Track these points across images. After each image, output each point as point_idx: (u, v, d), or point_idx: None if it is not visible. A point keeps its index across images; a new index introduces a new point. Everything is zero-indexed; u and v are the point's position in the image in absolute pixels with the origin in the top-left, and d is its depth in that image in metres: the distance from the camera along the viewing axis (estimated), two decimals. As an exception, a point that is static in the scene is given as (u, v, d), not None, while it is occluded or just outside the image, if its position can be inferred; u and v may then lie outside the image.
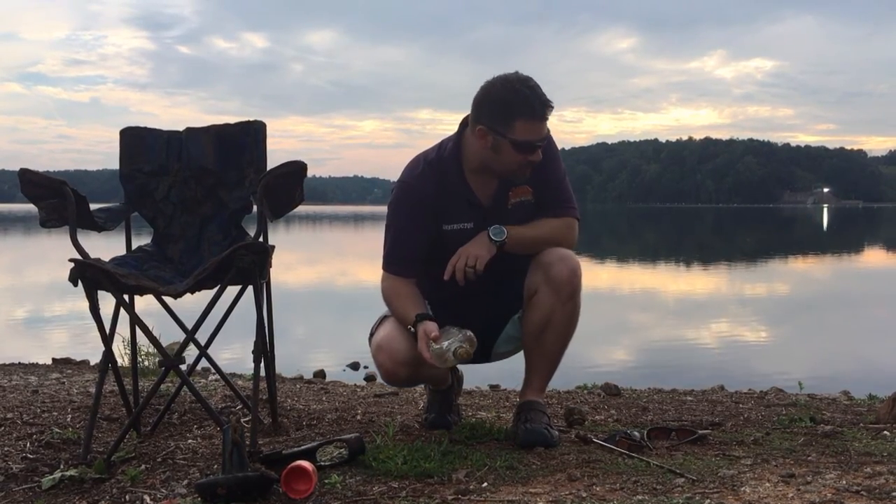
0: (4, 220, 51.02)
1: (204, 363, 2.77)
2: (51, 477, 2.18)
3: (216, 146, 2.90)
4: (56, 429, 2.76)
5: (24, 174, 2.48)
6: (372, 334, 2.59)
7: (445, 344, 2.29)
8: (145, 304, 2.65)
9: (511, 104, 2.37)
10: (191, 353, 2.60)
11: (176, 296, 2.43)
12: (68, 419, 2.94)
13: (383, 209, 2.65)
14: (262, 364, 2.48)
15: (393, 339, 2.47)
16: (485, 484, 2.09)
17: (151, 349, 4.20)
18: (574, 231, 2.57)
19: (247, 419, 2.74)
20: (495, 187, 2.55)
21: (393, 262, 2.54)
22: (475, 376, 3.49)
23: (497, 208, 2.55)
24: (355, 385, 4.33)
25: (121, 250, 2.77)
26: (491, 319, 2.61)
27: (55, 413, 3.05)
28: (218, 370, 2.93)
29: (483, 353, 2.71)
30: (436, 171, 2.53)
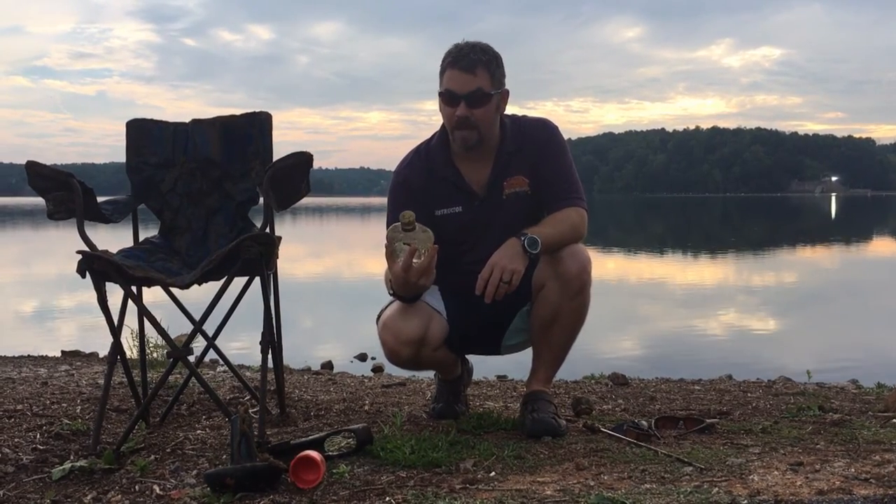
0: (12, 214, 51.22)
1: (212, 354, 2.78)
2: (61, 468, 2.19)
3: (222, 138, 2.90)
4: (65, 420, 2.77)
5: (32, 167, 2.49)
6: (379, 317, 2.60)
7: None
8: (153, 296, 2.66)
9: (444, 57, 2.47)
10: (199, 344, 2.61)
11: (183, 287, 2.44)
12: (77, 410, 2.96)
13: (388, 201, 2.66)
14: (270, 355, 2.48)
15: (397, 318, 2.49)
16: (492, 473, 2.09)
17: (160, 341, 4.21)
18: (586, 223, 2.57)
19: (255, 410, 2.75)
20: (487, 174, 2.55)
21: None
22: (482, 367, 3.49)
23: (492, 199, 2.55)
24: (363, 376, 4.34)
25: (128, 242, 2.78)
26: (499, 312, 2.60)
27: (64, 405, 3.06)
28: (226, 361, 2.94)
29: (493, 346, 2.71)
30: (424, 158, 2.60)
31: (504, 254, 2.36)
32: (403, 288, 2.35)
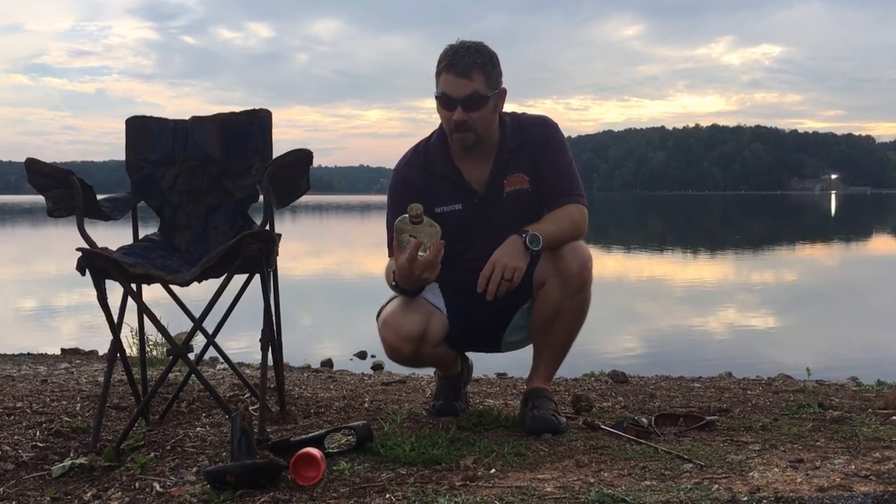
0: (12, 212, 51.19)
1: (212, 352, 2.78)
2: (61, 465, 2.19)
3: (222, 135, 2.90)
4: (65, 417, 2.77)
5: (32, 164, 2.49)
6: (379, 314, 2.60)
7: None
8: (153, 293, 2.66)
9: (439, 60, 2.47)
10: (198, 341, 2.61)
11: (183, 284, 2.44)
12: (77, 408, 2.96)
13: (388, 199, 2.67)
14: (270, 352, 2.48)
15: (398, 314, 2.49)
16: (493, 470, 2.09)
17: (159, 338, 4.21)
18: (586, 220, 2.57)
19: (255, 407, 2.75)
20: (487, 172, 2.56)
21: (391, 246, 2.56)
22: (482, 364, 3.50)
23: (492, 197, 2.55)
24: (363, 374, 4.34)
25: (128, 240, 2.78)
26: (500, 309, 2.60)
27: (64, 402, 3.06)
28: (226, 358, 2.94)
29: (493, 343, 2.71)
30: (423, 157, 2.61)
31: (505, 251, 2.37)
32: (407, 280, 2.36)
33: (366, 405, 3.06)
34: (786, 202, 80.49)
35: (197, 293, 2.59)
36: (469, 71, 2.41)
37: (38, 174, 2.49)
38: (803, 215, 45.80)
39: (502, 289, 2.34)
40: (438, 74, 2.47)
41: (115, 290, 2.44)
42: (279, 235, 2.61)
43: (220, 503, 1.89)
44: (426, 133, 2.67)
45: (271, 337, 2.51)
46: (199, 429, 2.63)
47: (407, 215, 2.29)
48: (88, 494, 2.00)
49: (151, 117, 2.95)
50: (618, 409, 3.02)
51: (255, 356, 2.97)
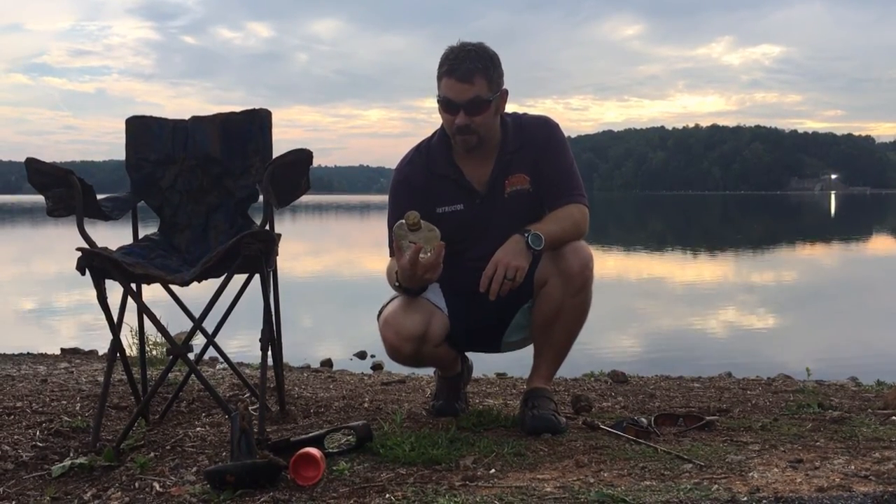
0: (12, 211, 51.17)
1: (212, 352, 2.78)
2: (60, 465, 2.19)
3: (222, 135, 2.90)
4: (65, 417, 2.77)
5: (31, 163, 2.49)
6: (380, 313, 2.60)
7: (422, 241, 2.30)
8: (153, 293, 2.66)
9: (440, 63, 2.47)
10: (198, 341, 2.61)
11: (183, 284, 2.44)
12: (77, 408, 2.96)
13: (388, 199, 2.68)
14: (270, 352, 2.48)
15: (399, 314, 2.49)
16: (492, 470, 2.09)
17: (159, 338, 4.22)
18: (587, 220, 2.57)
19: (255, 407, 2.75)
20: (489, 172, 2.56)
21: (392, 246, 2.56)
22: (482, 364, 3.50)
23: (493, 196, 2.56)
24: (362, 374, 4.34)
25: (127, 239, 2.78)
26: (501, 309, 2.60)
27: (64, 402, 3.06)
28: (225, 358, 2.94)
29: (493, 343, 2.71)
30: (425, 156, 2.61)
31: (508, 251, 2.37)
32: (409, 280, 2.36)
33: (365, 405, 3.06)
34: (786, 202, 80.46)
35: (197, 293, 2.59)
36: (471, 76, 2.41)
37: (37, 173, 2.49)
38: (803, 215, 45.79)
39: (505, 288, 2.34)
40: (440, 78, 2.47)
41: (115, 290, 2.44)
42: (279, 235, 2.61)
43: (220, 503, 1.89)
44: (426, 133, 2.67)
45: (271, 337, 2.51)
46: (198, 428, 2.63)
47: (404, 222, 2.29)
48: (88, 494, 2.00)
49: (151, 117, 2.95)
50: (617, 409, 3.02)
51: (255, 356, 2.97)
